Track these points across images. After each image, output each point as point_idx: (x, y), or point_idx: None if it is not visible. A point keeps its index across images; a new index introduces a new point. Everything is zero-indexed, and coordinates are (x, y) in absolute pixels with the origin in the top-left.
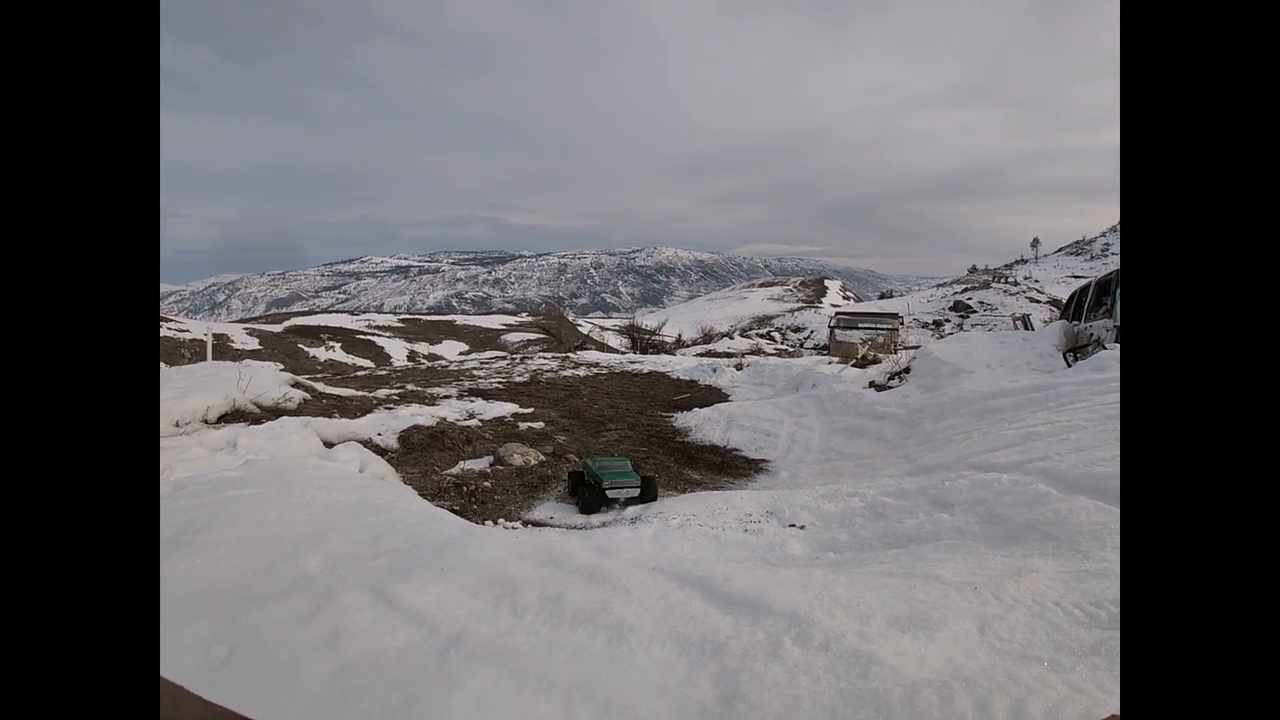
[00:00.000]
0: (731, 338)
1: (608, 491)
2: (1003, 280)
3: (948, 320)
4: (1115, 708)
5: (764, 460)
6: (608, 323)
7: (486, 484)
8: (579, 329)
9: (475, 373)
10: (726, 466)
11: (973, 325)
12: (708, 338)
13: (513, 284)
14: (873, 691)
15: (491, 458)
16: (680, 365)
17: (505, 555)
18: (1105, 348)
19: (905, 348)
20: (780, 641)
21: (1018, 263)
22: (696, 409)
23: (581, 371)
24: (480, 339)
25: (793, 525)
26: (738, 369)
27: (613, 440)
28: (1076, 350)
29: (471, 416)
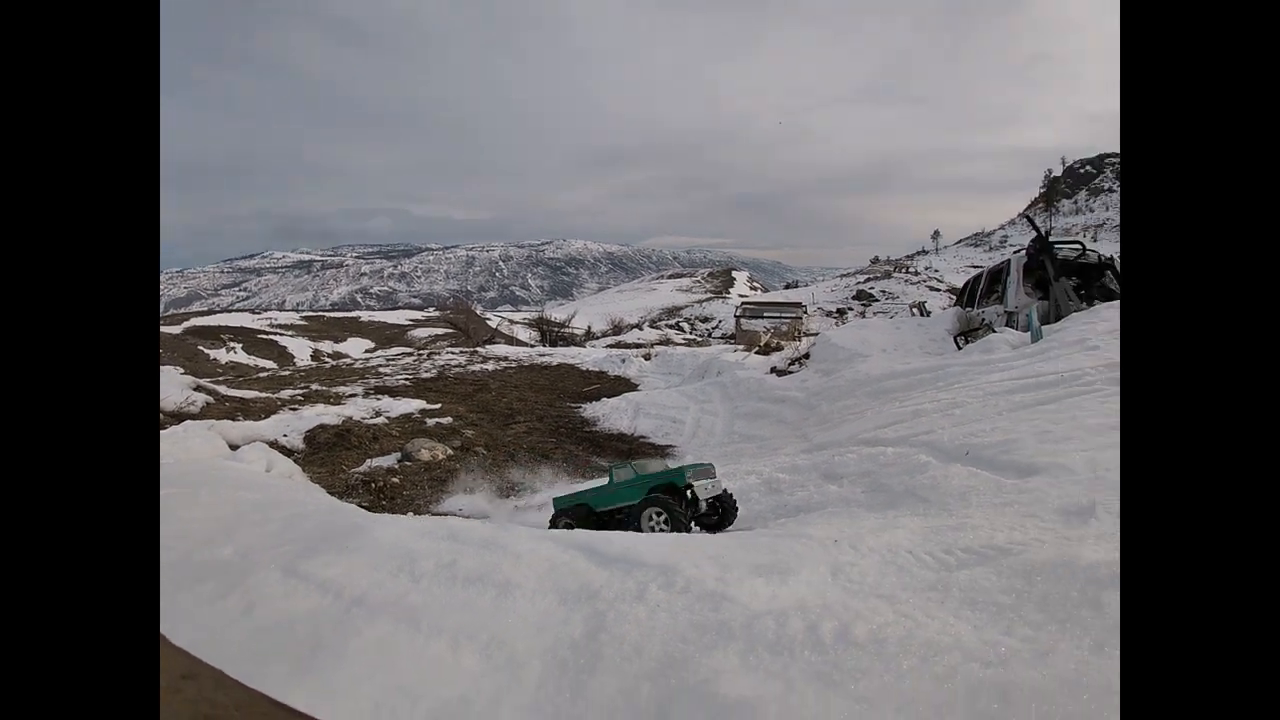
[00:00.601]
0: (641, 329)
1: (695, 486)
2: (904, 270)
3: (850, 308)
4: (934, 632)
5: (670, 445)
6: (517, 316)
7: (395, 480)
8: (487, 323)
9: (381, 370)
10: (634, 453)
11: (875, 313)
12: (617, 329)
13: (419, 278)
14: (720, 621)
15: (399, 454)
16: (590, 357)
17: (407, 535)
18: (995, 331)
19: (807, 335)
20: (647, 588)
21: (919, 254)
22: (605, 399)
23: (490, 366)
24: (386, 335)
25: None
26: (646, 359)
27: (521, 433)
28: (967, 334)
29: (378, 414)
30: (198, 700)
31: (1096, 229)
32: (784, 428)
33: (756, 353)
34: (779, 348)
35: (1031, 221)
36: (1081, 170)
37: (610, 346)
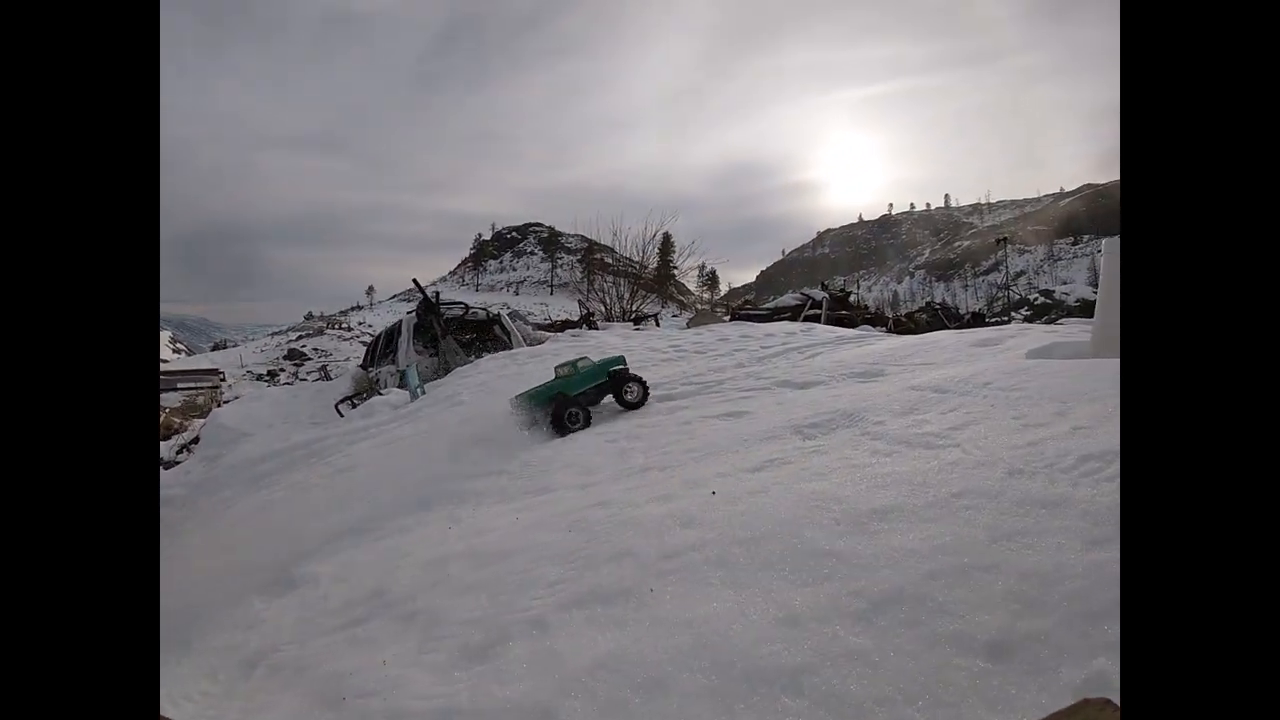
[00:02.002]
0: None
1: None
2: (338, 326)
3: (283, 369)
4: None
5: None
6: None
7: None
8: None
9: None
10: None
11: (308, 372)
12: None
13: None
14: None
15: None
16: None
17: None
18: (381, 393)
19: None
20: None
21: (353, 309)
22: None
23: None
24: None
25: None
26: None
27: None
28: (353, 398)
29: None
30: None
31: (519, 284)
32: (170, 536)
33: None
34: (182, 428)
35: (417, 285)
36: (509, 235)
37: None
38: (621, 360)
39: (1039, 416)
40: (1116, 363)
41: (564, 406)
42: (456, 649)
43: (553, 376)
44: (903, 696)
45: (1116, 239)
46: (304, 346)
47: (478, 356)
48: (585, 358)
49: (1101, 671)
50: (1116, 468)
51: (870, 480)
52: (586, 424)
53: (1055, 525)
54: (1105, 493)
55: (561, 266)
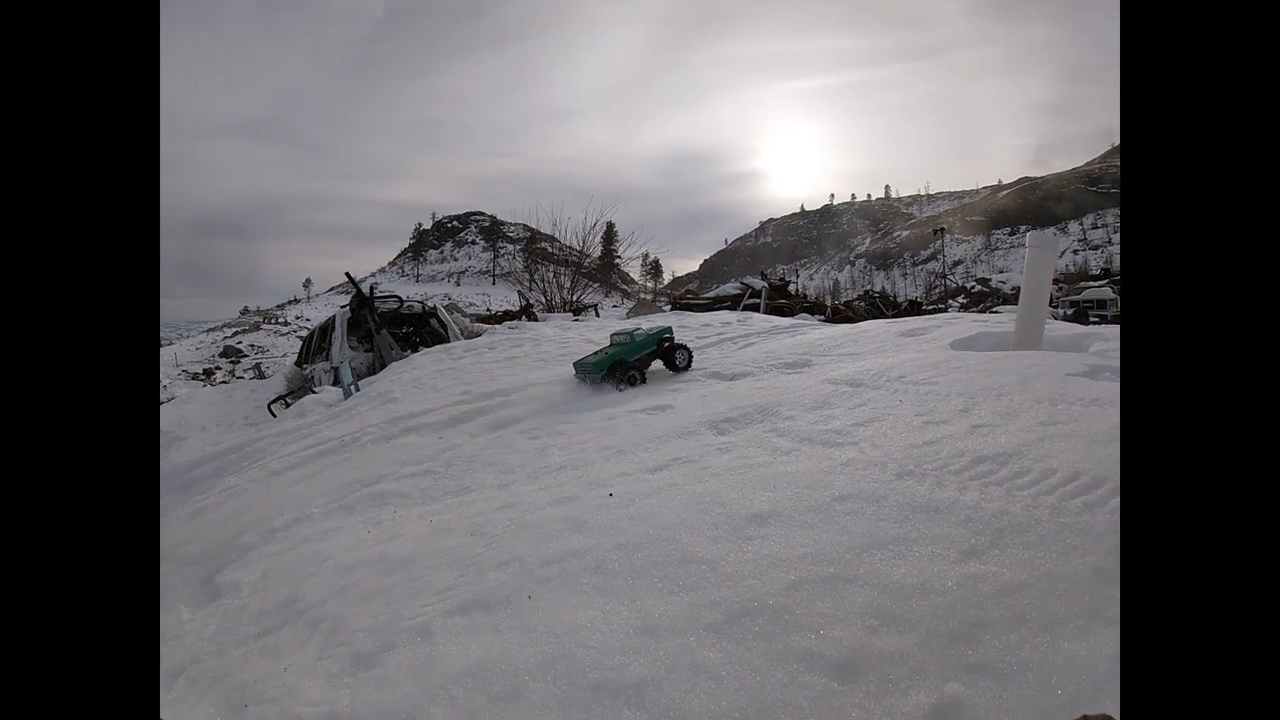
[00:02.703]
0: None
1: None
2: (274, 321)
3: (219, 367)
4: None
5: None
6: None
7: None
8: None
9: None
10: None
11: (245, 369)
12: None
13: None
14: None
15: None
16: None
17: None
18: (314, 391)
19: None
20: None
21: (290, 303)
22: None
23: None
24: None
25: None
26: None
27: None
28: (287, 396)
29: None
30: None
31: (460, 275)
32: None
33: None
34: None
35: (350, 277)
36: (449, 225)
37: None
38: (670, 330)
39: (943, 413)
40: (1033, 355)
41: (624, 369)
42: (349, 656)
43: (608, 344)
44: (740, 714)
45: (1040, 232)
46: (240, 343)
47: (414, 351)
48: (640, 328)
49: (955, 696)
50: (1008, 470)
51: (759, 482)
52: (643, 382)
53: (932, 533)
54: (992, 498)
55: (504, 256)
